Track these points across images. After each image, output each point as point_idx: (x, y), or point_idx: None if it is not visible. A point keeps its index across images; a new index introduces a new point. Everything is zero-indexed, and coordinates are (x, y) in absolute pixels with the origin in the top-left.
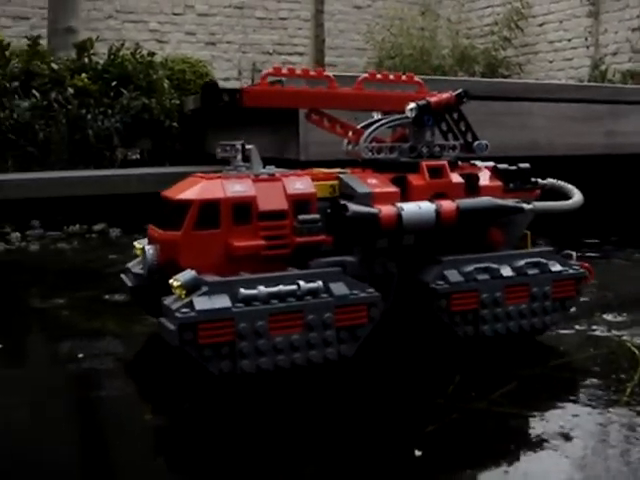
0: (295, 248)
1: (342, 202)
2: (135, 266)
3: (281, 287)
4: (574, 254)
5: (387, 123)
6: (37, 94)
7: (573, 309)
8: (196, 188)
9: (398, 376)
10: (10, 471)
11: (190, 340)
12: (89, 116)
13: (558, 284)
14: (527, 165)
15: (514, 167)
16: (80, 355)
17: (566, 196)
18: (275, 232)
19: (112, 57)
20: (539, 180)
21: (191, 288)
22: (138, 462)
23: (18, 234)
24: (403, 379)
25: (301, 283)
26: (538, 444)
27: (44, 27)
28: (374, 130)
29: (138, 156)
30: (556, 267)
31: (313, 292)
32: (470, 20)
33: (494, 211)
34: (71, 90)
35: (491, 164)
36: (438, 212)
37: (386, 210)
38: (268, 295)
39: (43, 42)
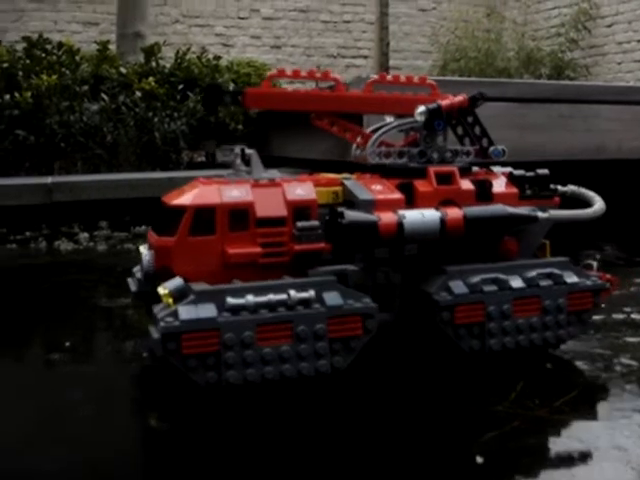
0: (294, 256)
1: (339, 209)
2: (138, 271)
3: (270, 296)
4: (595, 264)
5: (396, 127)
6: (106, 97)
7: None
8: (192, 193)
9: (456, 383)
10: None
11: (174, 350)
12: (156, 119)
13: (573, 296)
14: (546, 171)
15: (531, 173)
16: (145, 354)
17: (587, 204)
18: (273, 239)
19: (179, 61)
20: (559, 187)
21: (178, 296)
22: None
23: (86, 234)
24: (461, 387)
25: (291, 292)
26: (602, 454)
27: (113, 32)
28: (382, 134)
29: (203, 158)
30: (572, 278)
31: (304, 302)
32: (536, 22)
33: (505, 220)
34: (139, 93)
35: (508, 170)
36: (443, 220)
37: (386, 218)
38: (256, 305)
39: (112, 47)
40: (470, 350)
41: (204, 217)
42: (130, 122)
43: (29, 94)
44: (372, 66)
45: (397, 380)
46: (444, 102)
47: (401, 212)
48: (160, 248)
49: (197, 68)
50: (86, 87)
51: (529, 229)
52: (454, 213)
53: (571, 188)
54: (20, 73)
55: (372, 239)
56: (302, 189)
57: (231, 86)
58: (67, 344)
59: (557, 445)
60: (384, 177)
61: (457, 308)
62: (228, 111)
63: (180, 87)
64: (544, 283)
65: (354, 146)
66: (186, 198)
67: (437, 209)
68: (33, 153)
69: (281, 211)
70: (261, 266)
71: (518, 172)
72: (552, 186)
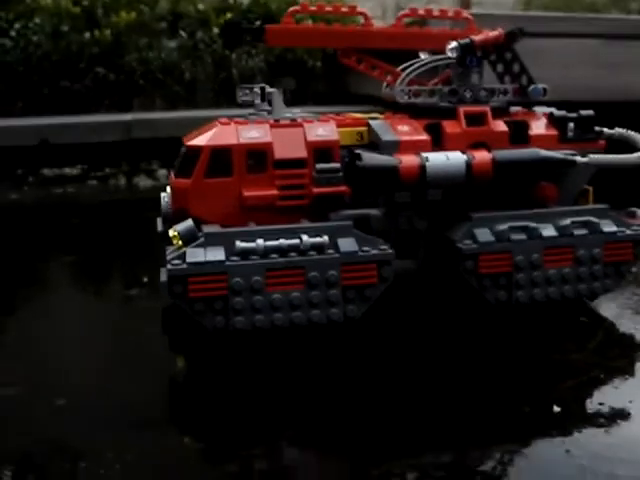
0: (313, 199)
1: (357, 151)
2: None
3: (282, 241)
4: (639, 212)
5: (427, 64)
6: (184, 34)
7: None
8: (209, 133)
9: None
10: None
11: (180, 293)
12: (234, 56)
13: (611, 246)
14: (590, 112)
15: (574, 114)
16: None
17: (634, 148)
18: (292, 182)
19: None
20: (605, 130)
21: (188, 239)
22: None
23: (164, 171)
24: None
25: (304, 237)
26: None
27: None
28: (412, 72)
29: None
30: (610, 227)
31: (318, 247)
32: None
33: (538, 164)
34: (216, 30)
35: (549, 110)
36: (469, 164)
37: (408, 161)
38: (267, 249)
39: None
40: (496, 302)
41: (220, 158)
42: (208, 59)
43: (108, 32)
44: (454, 2)
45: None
46: (477, 37)
47: (425, 155)
48: (177, 190)
49: (275, 4)
50: (164, 24)
51: (569, 174)
52: (482, 156)
53: (619, 131)
54: (99, 11)
55: (392, 183)
56: (324, 129)
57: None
58: (145, 280)
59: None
60: (414, 117)
61: (481, 257)
62: (306, 48)
63: (258, 23)
64: (578, 232)
65: (384, 84)
66: (202, 139)
67: (464, 152)
68: (113, 90)
69: (301, 152)
70: (279, 209)
71: (559, 113)
72: (597, 129)
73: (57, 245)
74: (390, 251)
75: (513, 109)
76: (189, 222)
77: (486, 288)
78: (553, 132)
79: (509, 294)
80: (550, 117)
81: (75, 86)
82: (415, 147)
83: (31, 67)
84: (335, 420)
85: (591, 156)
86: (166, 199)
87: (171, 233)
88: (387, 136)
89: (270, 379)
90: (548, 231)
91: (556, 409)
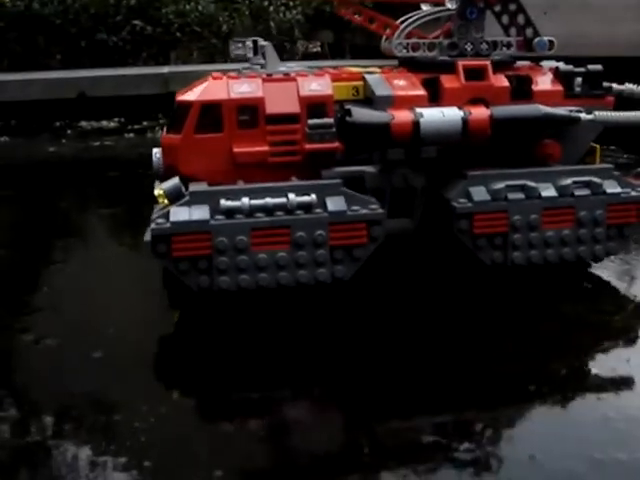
0: (306, 156)
1: (347, 107)
2: None
3: (268, 200)
4: None
5: (425, 16)
6: None
7: None
8: (199, 88)
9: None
10: None
11: (164, 252)
12: (271, 8)
13: (614, 208)
14: (598, 67)
15: (581, 69)
16: None
17: None
18: (284, 137)
19: None
20: (614, 85)
21: (174, 197)
22: None
23: None
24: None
25: (291, 196)
26: None
27: None
28: (410, 24)
29: (319, 49)
30: (614, 188)
31: (305, 206)
32: None
33: (539, 121)
34: None
35: (555, 64)
36: (465, 120)
37: (401, 116)
38: (252, 208)
39: None
40: (492, 263)
41: (210, 114)
42: (245, 11)
43: None
44: None
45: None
46: None
47: (419, 110)
48: (167, 146)
49: None
50: None
51: (574, 132)
52: (479, 113)
53: (629, 87)
54: None
55: (383, 140)
56: (318, 84)
57: None
58: None
59: None
60: (412, 72)
61: (476, 216)
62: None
63: None
64: (580, 192)
65: (383, 38)
66: (192, 94)
67: (460, 108)
68: (150, 43)
69: (293, 107)
70: (271, 166)
71: (565, 67)
72: (606, 84)
73: (94, 198)
74: (380, 210)
75: (521, 64)
76: (175, 180)
77: (481, 249)
78: (558, 87)
79: (505, 255)
80: (556, 72)
81: (112, 39)
82: (410, 102)
83: (69, 20)
84: (331, 378)
85: (597, 113)
86: (157, 156)
87: (156, 192)
88: (381, 91)
89: (267, 336)
90: (547, 191)
91: (593, 371)
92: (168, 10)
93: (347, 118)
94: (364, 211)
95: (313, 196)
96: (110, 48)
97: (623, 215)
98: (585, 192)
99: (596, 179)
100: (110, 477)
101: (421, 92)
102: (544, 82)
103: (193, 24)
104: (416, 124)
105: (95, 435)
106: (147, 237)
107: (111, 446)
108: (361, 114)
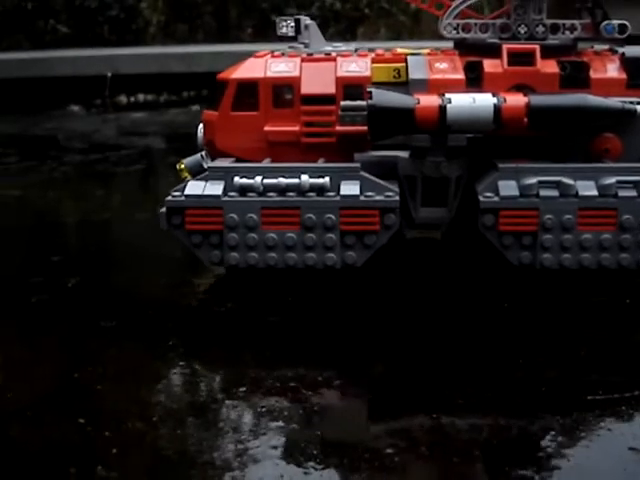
0: (339, 138)
1: (369, 89)
2: None
3: (281, 179)
4: None
5: None
6: None
7: None
8: (240, 67)
9: None
10: None
11: (178, 225)
12: None
13: None
14: None
15: None
16: None
17: None
18: (318, 118)
19: None
20: None
21: (195, 172)
22: None
23: None
24: None
25: (303, 177)
26: None
27: None
28: (461, 3)
29: None
30: None
31: (317, 189)
32: None
33: (585, 112)
34: None
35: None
36: (498, 108)
37: (426, 101)
38: (265, 187)
39: None
40: (519, 263)
41: (247, 92)
42: None
43: None
44: None
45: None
46: None
47: (447, 96)
48: (207, 122)
49: None
50: None
51: (636, 126)
52: (515, 100)
53: None
54: None
55: (407, 125)
56: (357, 65)
57: None
58: None
59: None
60: (461, 55)
61: (502, 212)
62: None
63: None
64: (625, 193)
65: (439, 18)
66: (232, 72)
67: (495, 94)
68: (338, 18)
69: (329, 88)
70: (305, 147)
71: (632, 53)
72: None
73: None
74: (396, 198)
75: (587, 49)
76: (197, 156)
77: (508, 247)
78: (622, 76)
79: (534, 256)
80: (621, 59)
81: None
82: (446, 86)
83: None
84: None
85: None
86: (200, 132)
87: (178, 166)
88: (416, 74)
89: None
90: (586, 189)
91: None
92: None
93: (368, 101)
94: (378, 197)
95: (327, 179)
96: None
97: None
98: (631, 193)
99: None
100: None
101: (459, 76)
102: (605, 70)
103: (382, 1)
104: (442, 110)
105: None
106: (162, 209)
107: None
108: (383, 97)
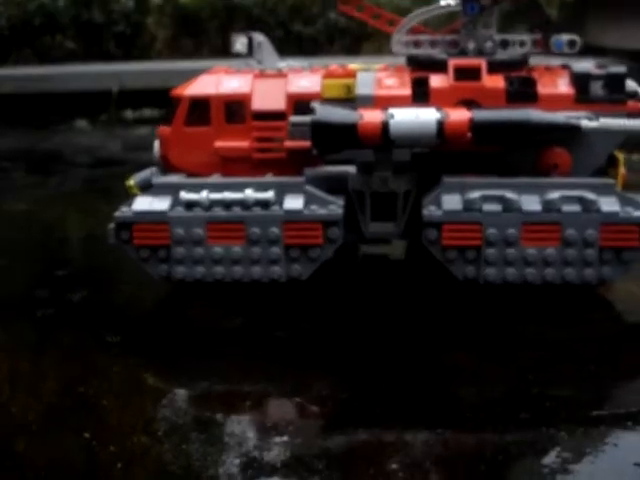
0: (289, 153)
1: (312, 105)
2: None
3: (226, 194)
4: None
5: (428, 12)
6: None
7: None
8: (193, 83)
9: None
10: None
11: (127, 240)
12: None
13: (610, 229)
14: (621, 69)
15: (601, 71)
16: None
17: None
18: (268, 134)
19: None
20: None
21: (145, 187)
22: None
23: None
24: None
25: (248, 192)
26: None
27: None
28: (411, 20)
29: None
30: (611, 206)
31: (262, 203)
32: None
33: (528, 127)
34: None
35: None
36: (441, 123)
37: (369, 117)
38: (210, 201)
39: None
40: (464, 278)
41: (199, 108)
42: None
43: None
44: None
45: None
46: None
47: (390, 111)
48: (161, 137)
49: None
50: None
51: (586, 141)
52: (458, 115)
53: None
54: None
55: (350, 140)
56: (308, 81)
57: None
58: None
59: None
60: (410, 70)
61: (445, 226)
62: None
63: None
64: (568, 208)
65: (392, 36)
66: (184, 88)
67: (439, 109)
68: (343, 34)
69: (279, 104)
70: (256, 162)
71: (580, 69)
72: (633, 89)
73: None
74: (339, 212)
75: (538, 65)
76: (147, 172)
77: (452, 262)
78: (570, 91)
79: (478, 271)
80: (570, 73)
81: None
82: (392, 102)
83: (267, 11)
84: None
85: (602, 120)
86: (156, 147)
87: (127, 183)
88: (363, 89)
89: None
90: (530, 204)
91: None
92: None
93: (310, 117)
94: (321, 211)
95: (271, 193)
96: (304, 39)
97: (622, 237)
98: (574, 208)
99: (590, 195)
100: None
101: (405, 92)
102: (554, 85)
103: None
104: (385, 125)
105: None
106: (111, 224)
107: None
108: (326, 113)
